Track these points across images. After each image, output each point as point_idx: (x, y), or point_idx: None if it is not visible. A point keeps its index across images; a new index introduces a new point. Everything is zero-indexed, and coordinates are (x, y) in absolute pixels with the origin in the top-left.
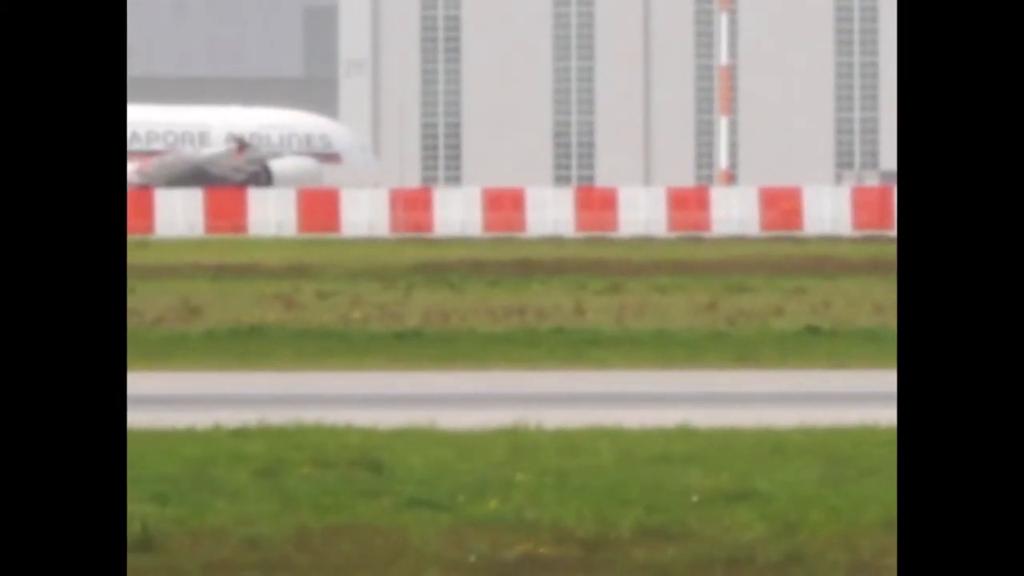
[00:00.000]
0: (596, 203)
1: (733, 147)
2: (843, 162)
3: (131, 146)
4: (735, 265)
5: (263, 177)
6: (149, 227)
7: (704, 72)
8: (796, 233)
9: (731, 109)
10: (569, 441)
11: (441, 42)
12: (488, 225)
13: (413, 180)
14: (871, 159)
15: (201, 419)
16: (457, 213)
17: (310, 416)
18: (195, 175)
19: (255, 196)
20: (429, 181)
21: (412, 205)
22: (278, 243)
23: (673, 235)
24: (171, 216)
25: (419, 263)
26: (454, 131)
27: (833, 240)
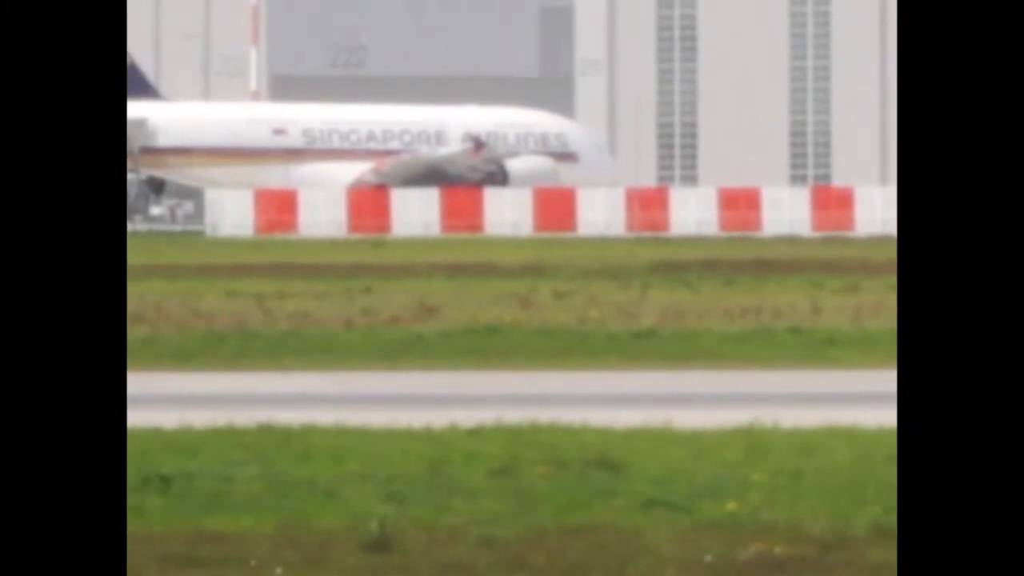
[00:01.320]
0: (832, 202)
1: None
2: None
3: (367, 145)
4: None
5: (499, 176)
6: (385, 226)
7: None
8: None
9: None
10: (805, 441)
11: (677, 41)
12: (724, 224)
13: (649, 179)
14: None
15: (437, 419)
16: (693, 212)
17: (546, 416)
18: (431, 174)
19: (491, 195)
20: (665, 180)
21: (648, 204)
22: (514, 242)
23: None
24: (407, 215)
25: (655, 262)
26: (690, 130)
27: None
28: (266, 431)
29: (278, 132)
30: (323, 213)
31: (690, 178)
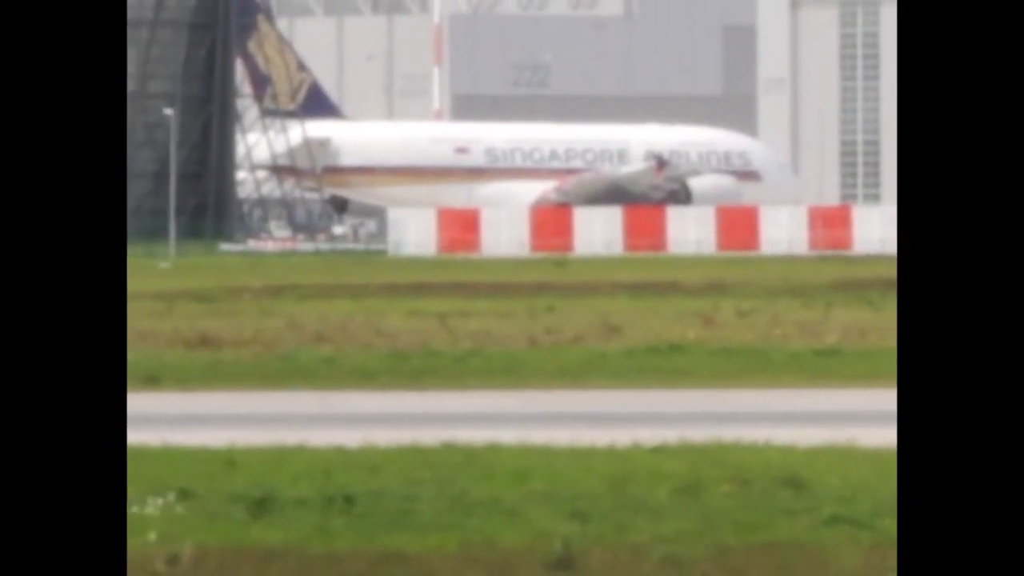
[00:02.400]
0: None
1: None
2: None
3: (550, 164)
4: None
5: (682, 195)
6: (568, 245)
7: None
8: None
9: None
10: None
11: (860, 59)
12: None
13: (831, 198)
14: None
15: (620, 437)
16: (876, 231)
17: (729, 434)
18: (614, 193)
19: (674, 214)
20: (848, 198)
21: (831, 223)
22: (697, 260)
23: None
24: (590, 234)
25: (838, 281)
26: (873, 148)
27: None
28: (449, 449)
29: (461, 151)
30: (505, 232)
31: (873, 196)
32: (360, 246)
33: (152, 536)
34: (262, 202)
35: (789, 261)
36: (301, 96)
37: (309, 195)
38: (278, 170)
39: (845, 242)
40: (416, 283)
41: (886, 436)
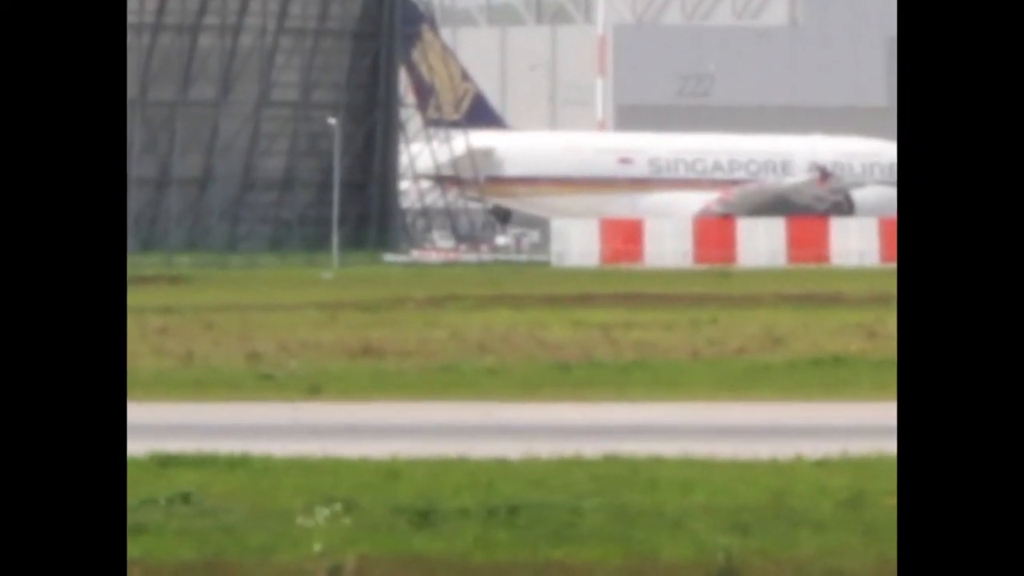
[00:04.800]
0: None
1: None
2: None
3: (713, 175)
4: None
5: (845, 206)
6: (731, 256)
7: None
8: None
9: None
10: None
11: None
12: None
13: None
14: None
15: (783, 450)
16: None
17: (892, 447)
18: (777, 204)
19: (837, 225)
20: None
21: None
22: (861, 272)
23: None
24: (753, 245)
25: None
26: None
27: None
28: (612, 461)
29: (624, 161)
30: (669, 243)
31: None
32: (523, 257)
33: (317, 547)
34: (425, 212)
35: None
36: (465, 106)
37: (472, 205)
38: (441, 180)
39: None
40: (579, 294)
41: None
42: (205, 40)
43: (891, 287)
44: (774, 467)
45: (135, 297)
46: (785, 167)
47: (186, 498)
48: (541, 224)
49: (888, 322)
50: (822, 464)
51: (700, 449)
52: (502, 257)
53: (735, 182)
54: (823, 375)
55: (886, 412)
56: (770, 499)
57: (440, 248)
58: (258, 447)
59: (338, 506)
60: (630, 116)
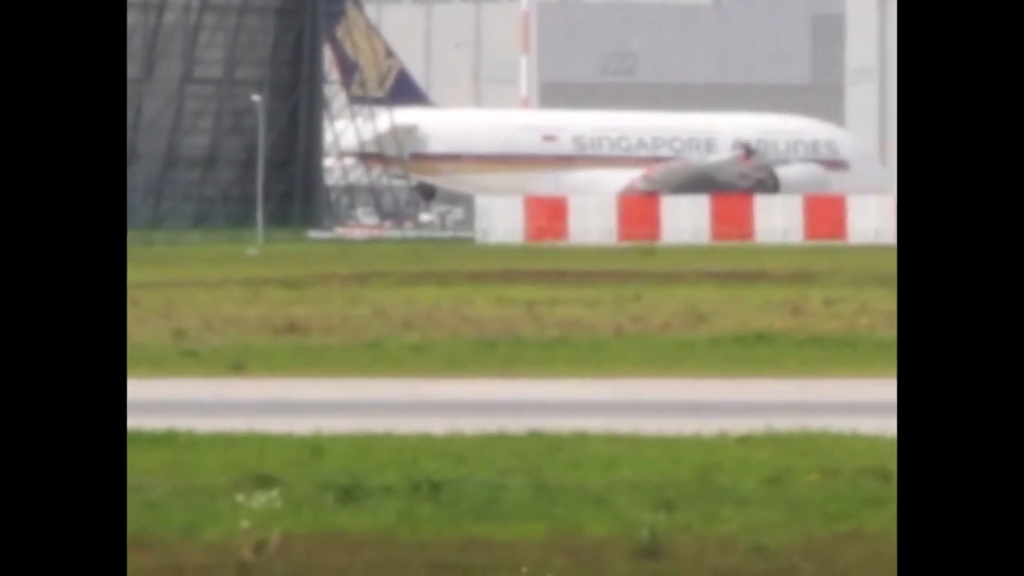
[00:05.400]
0: None
1: None
2: None
3: (637, 152)
4: None
5: (769, 184)
6: (655, 234)
7: None
8: None
9: None
10: None
11: None
12: None
13: None
14: None
15: (707, 426)
16: None
17: (816, 423)
18: (701, 182)
19: (761, 203)
20: None
21: None
22: (784, 250)
23: None
24: (677, 223)
25: None
26: None
27: None
28: (536, 438)
29: (548, 139)
30: (593, 220)
31: None
32: (447, 234)
33: (244, 524)
34: (349, 189)
35: (876, 250)
36: (389, 83)
37: (396, 182)
38: (365, 157)
39: None
40: (503, 271)
41: None
42: (129, 18)
43: (815, 264)
44: (698, 443)
45: None
46: (709, 145)
47: None
48: (465, 201)
49: (811, 298)
50: (746, 440)
51: (624, 425)
52: (426, 234)
53: (659, 159)
54: (747, 352)
55: (809, 388)
56: (695, 475)
57: (364, 225)
58: (182, 423)
59: (263, 482)
60: (554, 93)
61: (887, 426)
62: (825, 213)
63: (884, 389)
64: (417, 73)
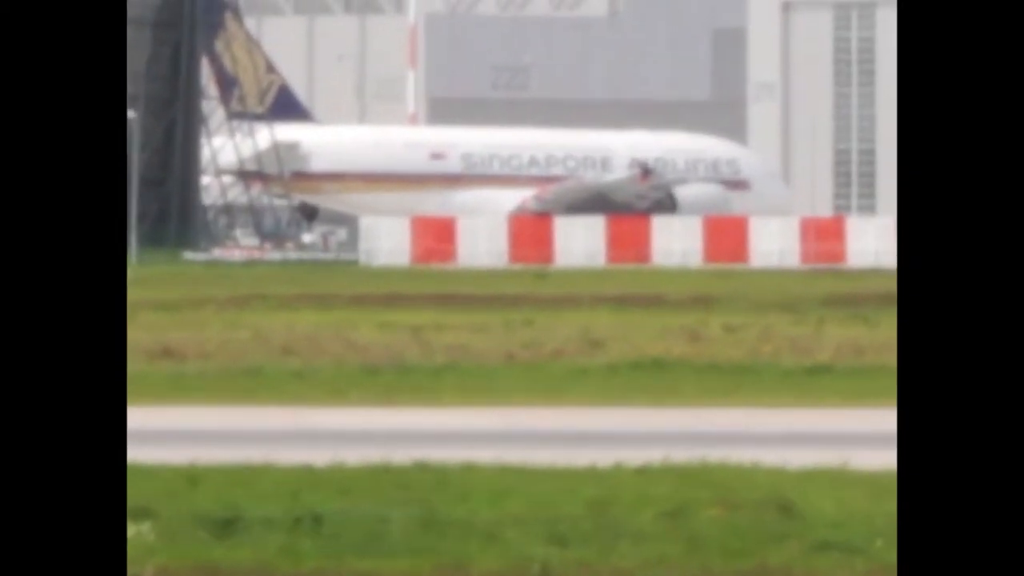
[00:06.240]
0: None
1: None
2: None
3: (529, 171)
4: None
5: (667, 204)
6: (548, 256)
7: None
8: None
9: None
10: None
11: (855, 64)
12: None
13: (824, 209)
14: None
15: (602, 457)
16: (871, 243)
17: (716, 455)
18: (597, 202)
19: (659, 224)
20: (841, 210)
21: (823, 235)
22: (683, 273)
23: None
24: (571, 245)
25: (831, 296)
26: (868, 157)
27: None
28: (422, 469)
29: (436, 157)
30: (483, 242)
31: (868, 207)
32: (330, 255)
33: None
34: (228, 209)
35: (780, 274)
36: (270, 98)
37: (277, 202)
38: (245, 175)
39: (838, 255)
40: (389, 294)
41: (880, 458)
42: None
43: (715, 288)
44: (593, 475)
45: None
46: (605, 163)
47: None
48: (349, 222)
49: (711, 324)
50: (643, 472)
51: (515, 456)
52: (308, 256)
53: (552, 179)
54: (644, 379)
55: (709, 418)
56: (589, 509)
57: (243, 246)
58: None
59: (135, 514)
60: (443, 109)
61: (790, 457)
62: (726, 235)
63: (787, 419)
64: (299, 88)
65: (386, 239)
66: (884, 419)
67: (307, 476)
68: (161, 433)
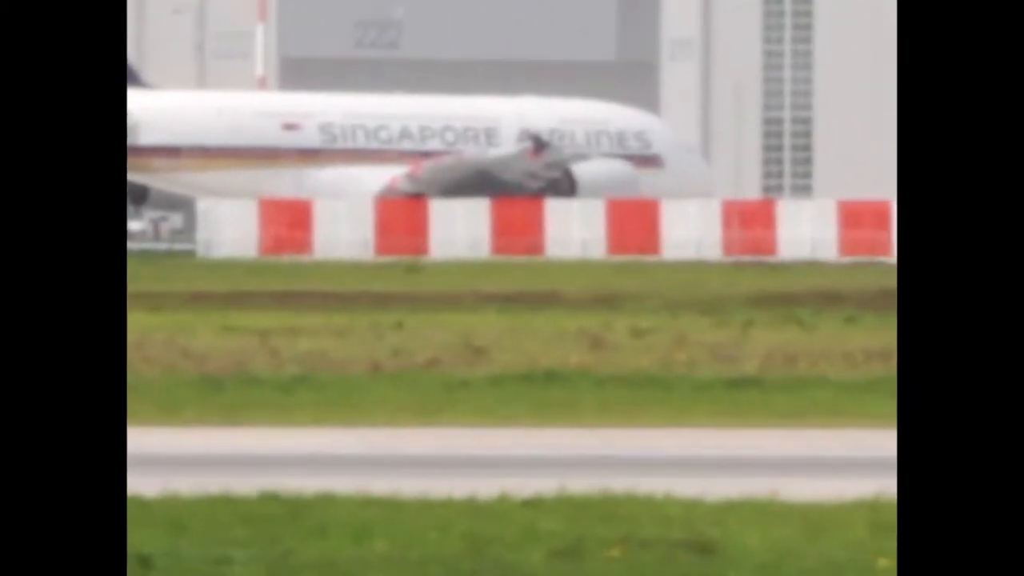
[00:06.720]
0: None
1: None
2: None
3: (401, 145)
4: None
5: (564, 184)
6: (423, 246)
7: None
8: None
9: None
10: None
11: (788, 17)
12: (844, 247)
13: (752, 190)
14: None
15: (485, 487)
16: (806, 231)
17: (620, 483)
18: (480, 181)
19: (554, 208)
20: (771, 191)
21: (750, 221)
22: (583, 266)
23: None
24: (450, 232)
25: (758, 293)
26: (803, 129)
27: None
28: (271, 500)
29: (289, 127)
30: (344, 229)
31: (803, 188)
32: (162, 246)
33: None
34: None
35: (698, 268)
36: None
37: None
38: None
39: (767, 244)
40: (232, 292)
41: (815, 487)
42: None
43: (620, 285)
44: (473, 508)
45: None
46: (489, 135)
47: None
48: (185, 205)
49: (616, 328)
50: (533, 504)
51: (381, 486)
52: (136, 247)
53: (427, 154)
54: (535, 394)
55: (612, 439)
56: (468, 547)
57: None
58: None
59: None
60: (297, 71)
61: (708, 487)
62: (634, 221)
63: (705, 441)
64: (128, 47)
65: (229, 226)
66: (819, 441)
67: (134, 509)
68: None
